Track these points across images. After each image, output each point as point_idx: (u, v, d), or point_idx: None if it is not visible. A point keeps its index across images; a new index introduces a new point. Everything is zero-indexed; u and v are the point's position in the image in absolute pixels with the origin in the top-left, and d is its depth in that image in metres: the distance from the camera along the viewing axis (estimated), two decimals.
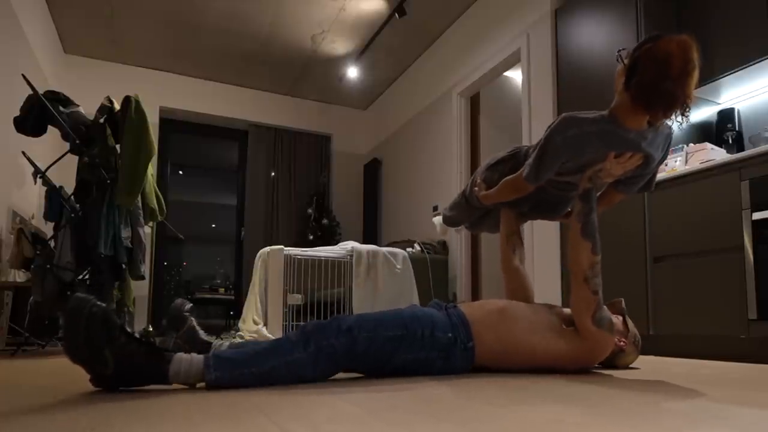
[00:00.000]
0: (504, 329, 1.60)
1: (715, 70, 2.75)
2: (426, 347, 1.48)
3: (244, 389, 1.25)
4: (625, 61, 1.53)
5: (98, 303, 1.18)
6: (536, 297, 1.97)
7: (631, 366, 1.86)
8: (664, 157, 1.67)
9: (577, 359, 1.61)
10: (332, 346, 1.36)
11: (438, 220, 2.53)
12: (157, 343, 1.52)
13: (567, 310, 1.68)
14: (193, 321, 1.60)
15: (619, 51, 1.57)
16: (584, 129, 1.52)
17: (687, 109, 1.44)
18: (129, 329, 1.24)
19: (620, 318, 1.78)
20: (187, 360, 1.25)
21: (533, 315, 1.64)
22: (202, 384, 1.26)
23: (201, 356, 1.27)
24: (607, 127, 1.52)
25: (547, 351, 1.59)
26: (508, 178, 1.76)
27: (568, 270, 1.60)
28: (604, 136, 1.52)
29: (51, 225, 3.11)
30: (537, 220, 2.60)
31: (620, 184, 1.73)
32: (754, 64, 2.58)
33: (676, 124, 1.48)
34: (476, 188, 1.95)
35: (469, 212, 2.16)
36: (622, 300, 1.83)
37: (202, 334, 1.59)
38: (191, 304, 1.64)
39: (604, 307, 1.59)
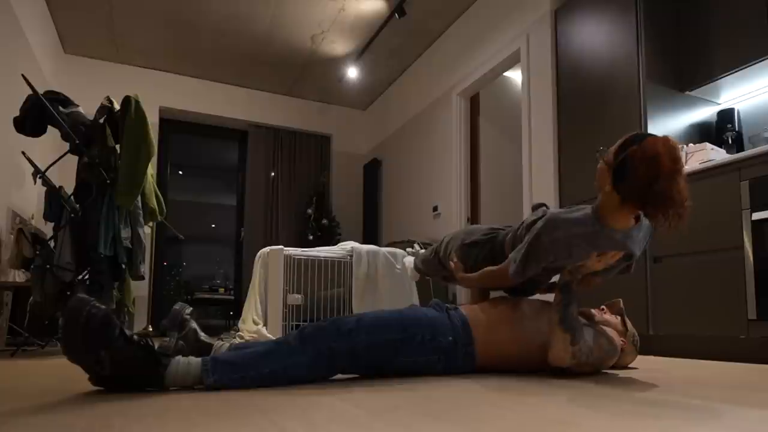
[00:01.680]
0: (507, 331, 1.60)
1: (715, 70, 2.74)
2: (426, 351, 1.48)
3: (244, 390, 1.25)
4: (605, 159, 1.51)
5: (98, 305, 1.18)
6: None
7: (630, 366, 1.86)
8: (646, 245, 1.67)
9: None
10: (331, 349, 1.36)
11: (410, 263, 2.56)
12: (159, 345, 1.52)
13: None
14: (195, 324, 1.60)
15: (600, 150, 1.55)
16: (571, 231, 1.52)
17: (682, 211, 1.40)
18: (129, 330, 1.23)
19: (618, 318, 1.78)
20: (184, 363, 1.25)
21: (538, 316, 1.63)
22: (201, 384, 1.26)
23: (198, 359, 1.27)
24: (593, 228, 1.51)
25: (550, 353, 1.59)
26: (490, 269, 1.74)
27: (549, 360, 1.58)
28: (591, 238, 1.52)
29: (51, 225, 3.11)
30: None
31: (600, 271, 1.72)
32: (754, 64, 2.58)
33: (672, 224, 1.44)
34: (452, 263, 1.96)
35: (440, 271, 2.20)
36: (621, 300, 1.83)
37: (203, 336, 1.59)
38: (191, 308, 1.64)
39: (601, 348, 1.57)
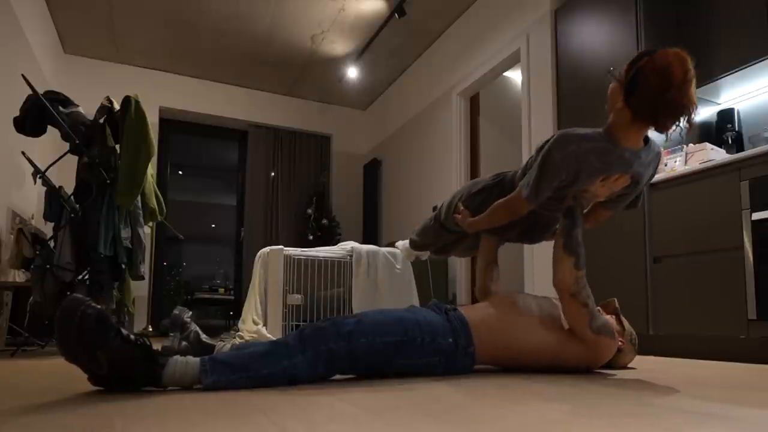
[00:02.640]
0: (507, 330, 1.60)
1: (715, 70, 2.74)
2: (426, 353, 1.47)
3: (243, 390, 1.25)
4: (618, 78, 1.53)
5: (92, 304, 1.17)
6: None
7: (629, 366, 1.86)
8: (652, 176, 1.68)
9: (581, 360, 1.61)
10: (331, 351, 1.35)
11: (403, 244, 2.48)
12: (163, 346, 1.52)
13: None
14: (196, 326, 1.60)
15: (611, 70, 1.57)
16: (582, 146, 1.52)
17: (692, 115, 1.44)
18: (127, 330, 1.22)
19: (614, 318, 1.78)
20: (182, 363, 1.24)
21: (538, 313, 1.63)
22: (199, 384, 1.26)
23: (197, 359, 1.26)
24: (604, 144, 1.52)
25: (551, 351, 1.59)
26: (501, 201, 1.69)
27: (553, 286, 1.60)
28: (602, 154, 1.52)
29: (51, 225, 3.11)
30: None
31: (607, 202, 1.72)
32: (754, 64, 2.58)
33: (682, 130, 1.48)
34: (457, 215, 1.90)
35: (441, 237, 2.13)
36: (615, 300, 1.83)
37: (204, 338, 1.59)
38: (190, 312, 1.64)
39: (598, 313, 1.58)
